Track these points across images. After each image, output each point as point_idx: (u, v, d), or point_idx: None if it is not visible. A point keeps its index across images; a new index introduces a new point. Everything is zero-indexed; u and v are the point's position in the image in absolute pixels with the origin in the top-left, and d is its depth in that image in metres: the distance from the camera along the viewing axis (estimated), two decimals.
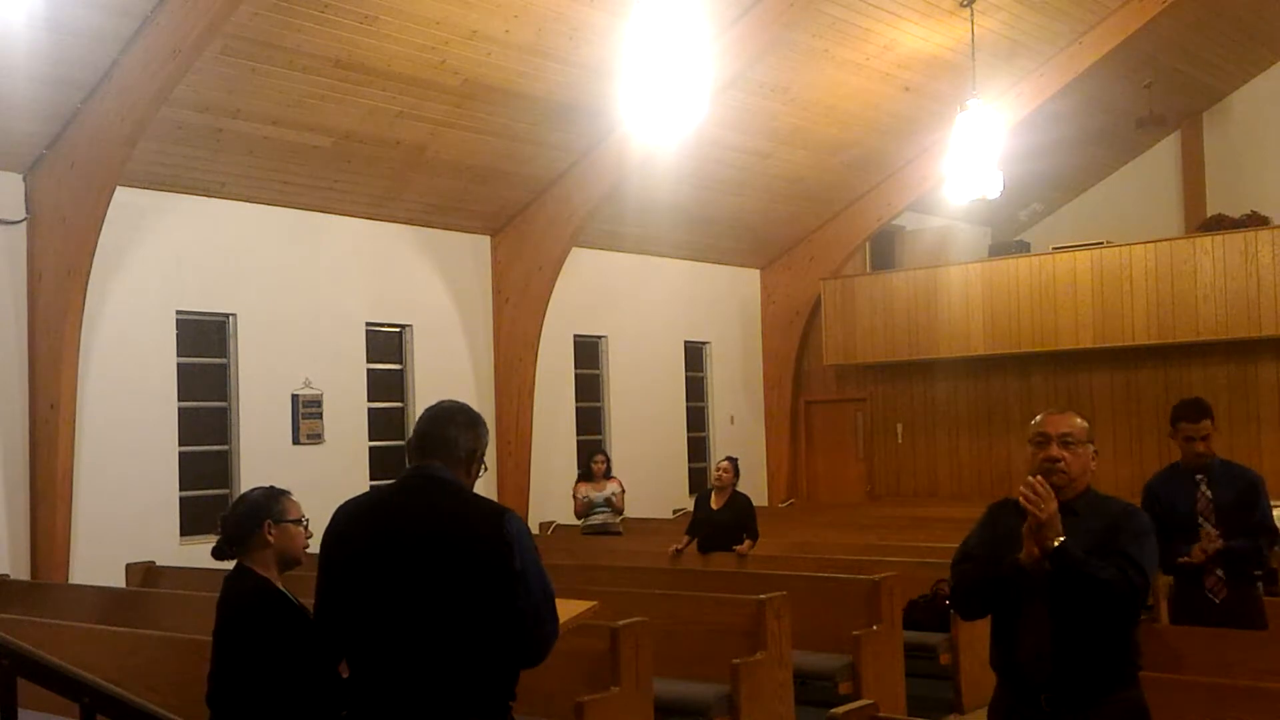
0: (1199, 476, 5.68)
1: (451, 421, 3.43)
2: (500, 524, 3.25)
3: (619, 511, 11.19)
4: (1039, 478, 3.46)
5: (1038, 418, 3.70)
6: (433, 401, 3.56)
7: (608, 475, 11.19)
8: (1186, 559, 5.55)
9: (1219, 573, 5.57)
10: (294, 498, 4.09)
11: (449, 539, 3.26)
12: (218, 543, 4.06)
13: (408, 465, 3.48)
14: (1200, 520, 5.60)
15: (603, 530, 11.09)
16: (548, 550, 10.79)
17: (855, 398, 16.75)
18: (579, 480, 11.39)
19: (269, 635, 3.80)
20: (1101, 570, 3.41)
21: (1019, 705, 3.60)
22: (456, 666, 3.21)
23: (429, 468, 3.37)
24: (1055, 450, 3.58)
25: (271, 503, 4.02)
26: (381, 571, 3.26)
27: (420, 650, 3.21)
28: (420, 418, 3.51)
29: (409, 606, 3.22)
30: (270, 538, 3.96)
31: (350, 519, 3.41)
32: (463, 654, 3.21)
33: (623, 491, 11.21)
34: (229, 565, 4.08)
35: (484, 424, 3.51)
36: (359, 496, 3.50)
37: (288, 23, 9.19)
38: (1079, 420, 3.66)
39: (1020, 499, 3.44)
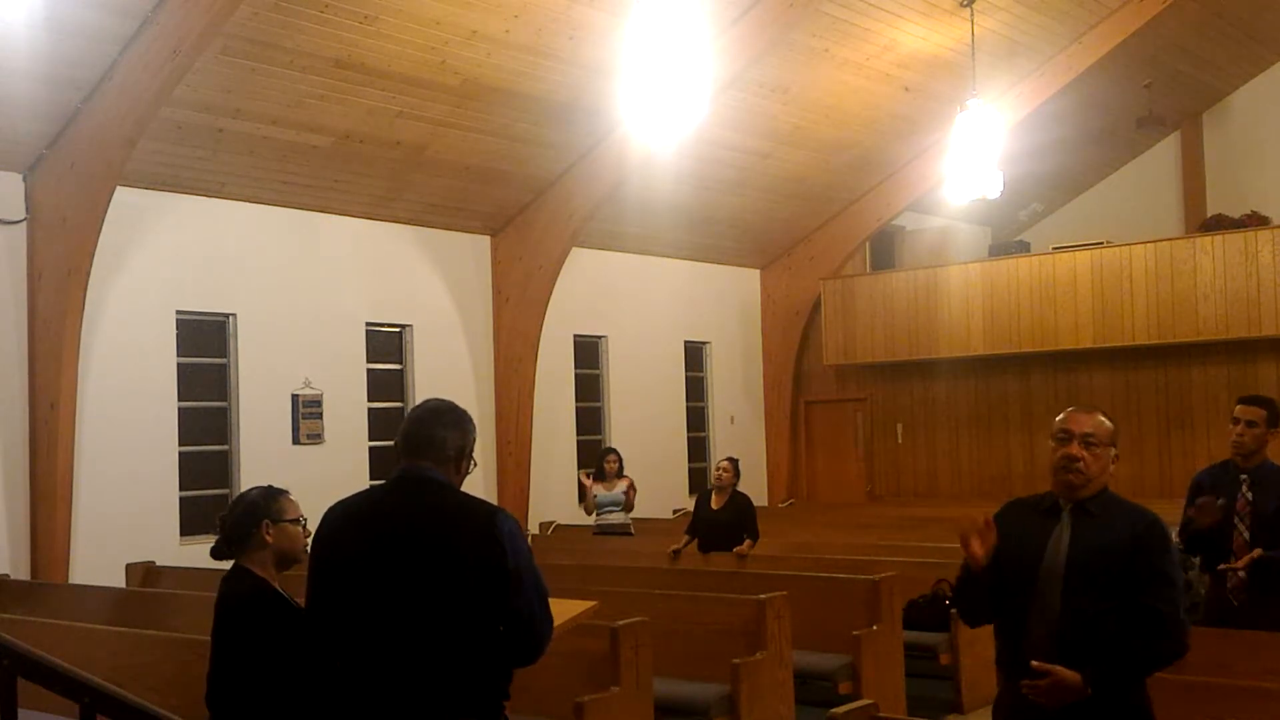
0: (1243, 477, 5.59)
1: (439, 421, 3.41)
2: (492, 523, 3.25)
3: (629, 509, 10.92)
4: (1026, 682, 3.35)
5: (1064, 413, 3.57)
6: None
7: (619, 474, 10.90)
8: (1227, 565, 5.51)
9: (1241, 575, 5.50)
10: (292, 497, 4.09)
11: (442, 539, 3.25)
12: (216, 542, 4.08)
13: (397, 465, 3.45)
14: (1236, 520, 5.52)
15: (614, 531, 10.85)
16: (548, 550, 10.82)
17: (855, 398, 16.75)
18: (593, 479, 11.15)
19: (265, 635, 3.80)
20: (1142, 650, 3.37)
21: (1024, 702, 3.52)
22: (450, 667, 3.20)
23: (418, 468, 3.36)
24: (1076, 449, 3.47)
25: (269, 502, 4.02)
26: (374, 573, 3.26)
27: (414, 651, 3.20)
28: (407, 417, 3.48)
29: (402, 608, 3.22)
30: (268, 538, 3.96)
31: (342, 521, 3.40)
32: (456, 654, 3.20)
33: (633, 490, 10.90)
34: (229, 565, 4.09)
35: (471, 421, 3.48)
36: (350, 498, 3.47)
37: (288, 23, 9.19)
38: (1105, 421, 3.53)
39: (1028, 695, 3.37)
